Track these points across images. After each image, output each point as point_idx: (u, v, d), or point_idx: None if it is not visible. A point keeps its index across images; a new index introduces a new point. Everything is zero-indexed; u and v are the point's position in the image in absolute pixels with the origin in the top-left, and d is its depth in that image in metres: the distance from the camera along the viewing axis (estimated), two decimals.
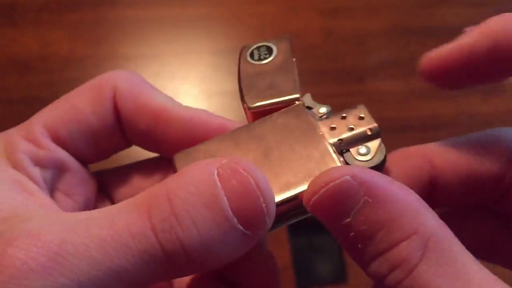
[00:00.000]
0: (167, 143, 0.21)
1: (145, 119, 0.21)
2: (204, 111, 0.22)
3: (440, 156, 0.21)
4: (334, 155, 0.19)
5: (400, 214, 0.15)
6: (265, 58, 0.22)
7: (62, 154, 0.21)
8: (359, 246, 0.16)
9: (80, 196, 0.22)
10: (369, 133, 0.20)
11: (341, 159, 0.19)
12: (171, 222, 0.15)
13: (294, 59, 0.22)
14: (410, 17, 0.66)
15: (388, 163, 0.20)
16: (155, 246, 0.15)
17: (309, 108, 0.21)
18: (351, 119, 0.20)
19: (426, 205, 0.16)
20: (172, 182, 0.16)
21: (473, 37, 0.18)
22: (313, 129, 0.20)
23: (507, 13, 0.18)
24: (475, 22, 0.19)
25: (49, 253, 0.14)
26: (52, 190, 0.21)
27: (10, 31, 0.66)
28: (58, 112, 0.21)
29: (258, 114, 0.21)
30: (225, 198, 0.15)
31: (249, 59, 0.23)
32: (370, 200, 0.16)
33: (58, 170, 0.21)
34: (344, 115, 0.20)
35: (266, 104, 0.21)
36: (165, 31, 0.68)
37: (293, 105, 0.21)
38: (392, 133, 0.55)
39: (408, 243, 0.15)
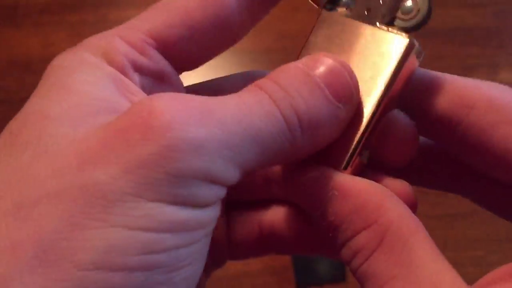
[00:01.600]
0: None
1: None
2: None
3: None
4: (384, 31, 0.20)
5: (361, 206, 0.17)
6: None
7: (163, 64, 0.20)
8: (330, 235, 0.18)
9: None
10: None
11: (390, 28, 0.20)
12: (282, 94, 0.17)
13: None
14: None
15: None
16: (276, 111, 0.17)
17: (333, 3, 0.21)
18: None
19: (392, 198, 0.17)
20: (271, 73, 0.18)
21: None
22: (353, 23, 0.20)
23: None
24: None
25: (198, 106, 0.16)
26: None
27: (12, 32, 0.67)
28: (167, 16, 0.20)
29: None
30: (317, 76, 0.18)
31: None
32: (336, 193, 0.17)
33: (156, 80, 0.20)
34: None
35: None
36: None
37: (320, 17, 0.21)
38: None
39: (367, 232, 0.17)
